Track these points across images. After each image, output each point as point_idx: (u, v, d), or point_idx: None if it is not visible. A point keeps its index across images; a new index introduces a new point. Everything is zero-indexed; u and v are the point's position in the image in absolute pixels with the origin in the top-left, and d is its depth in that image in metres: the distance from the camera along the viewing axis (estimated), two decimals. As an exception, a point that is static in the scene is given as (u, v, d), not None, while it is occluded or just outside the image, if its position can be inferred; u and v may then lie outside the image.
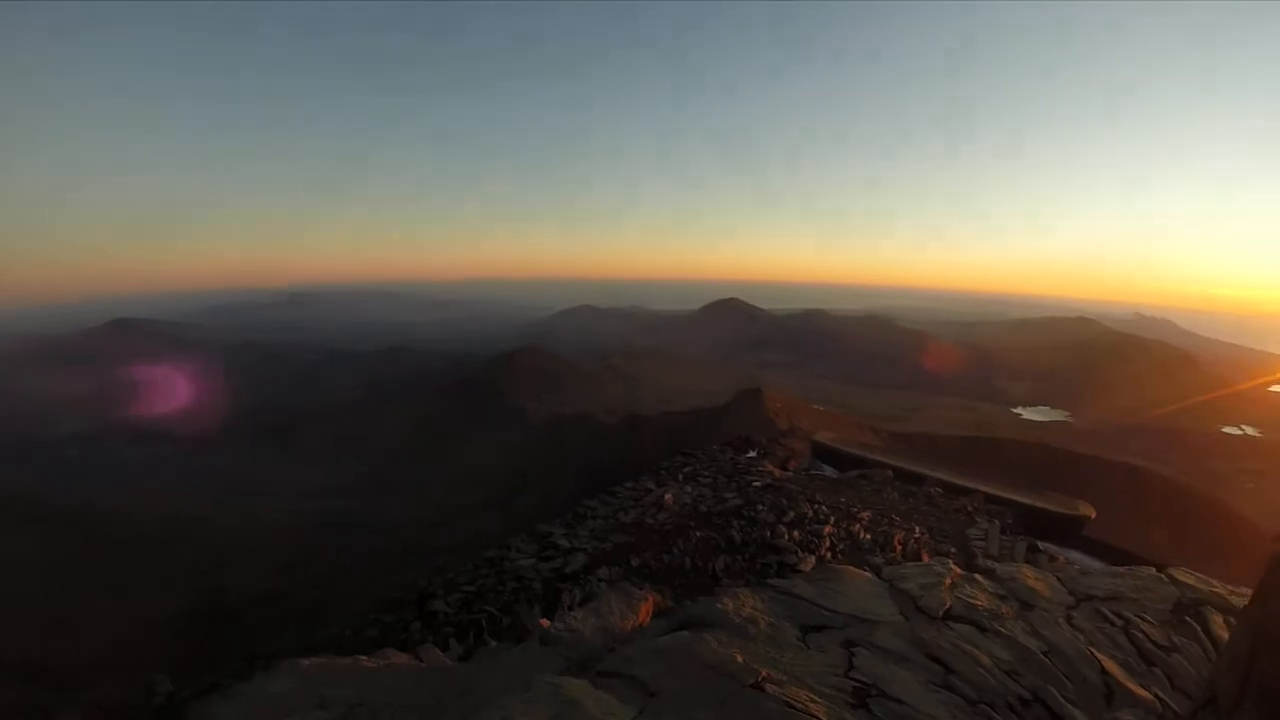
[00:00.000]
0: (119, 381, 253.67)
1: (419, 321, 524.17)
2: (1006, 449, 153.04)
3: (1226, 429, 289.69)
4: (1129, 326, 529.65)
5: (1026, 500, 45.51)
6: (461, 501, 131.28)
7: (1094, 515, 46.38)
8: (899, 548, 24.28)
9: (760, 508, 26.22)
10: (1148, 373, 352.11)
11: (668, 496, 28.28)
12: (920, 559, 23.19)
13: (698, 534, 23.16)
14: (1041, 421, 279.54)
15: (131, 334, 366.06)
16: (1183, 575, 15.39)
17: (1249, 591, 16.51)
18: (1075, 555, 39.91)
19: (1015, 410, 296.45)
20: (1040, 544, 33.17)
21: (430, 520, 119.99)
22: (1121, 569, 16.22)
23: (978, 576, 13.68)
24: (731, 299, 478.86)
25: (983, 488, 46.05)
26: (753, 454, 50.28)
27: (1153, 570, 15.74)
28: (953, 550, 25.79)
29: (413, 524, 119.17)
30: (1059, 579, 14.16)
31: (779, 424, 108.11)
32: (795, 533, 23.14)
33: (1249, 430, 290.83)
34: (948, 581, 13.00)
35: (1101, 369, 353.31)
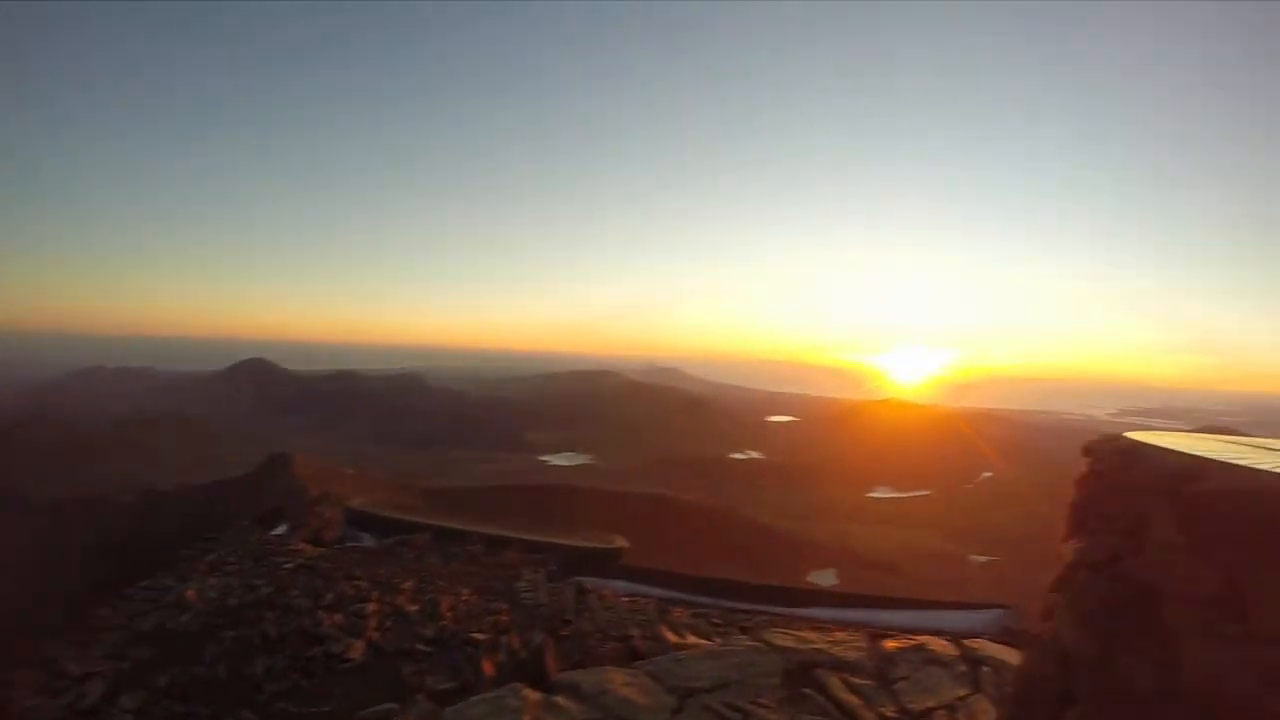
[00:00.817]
0: None
1: None
2: (540, 494, 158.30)
3: (735, 455, 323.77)
4: (644, 376, 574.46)
5: (566, 542, 46.71)
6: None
7: (628, 545, 48.50)
8: (448, 614, 23.16)
9: (294, 593, 23.83)
10: (662, 415, 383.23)
11: (190, 593, 24.99)
12: (473, 619, 22.49)
13: (230, 634, 20.39)
14: (570, 466, 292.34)
15: None
16: (780, 639, 15.18)
17: (842, 635, 16.92)
18: (619, 584, 41.34)
19: (543, 458, 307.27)
20: (586, 584, 33.65)
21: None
22: (720, 648, 15.91)
23: (559, 700, 11.62)
24: (257, 359, 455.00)
25: (524, 536, 46.51)
26: (283, 529, 47.25)
27: (745, 640, 15.71)
28: (504, 606, 25.20)
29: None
30: (652, 675, 12.96)
31: (311, 491, 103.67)
32: (337, 616, 21.20)
33: (754, 454, 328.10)
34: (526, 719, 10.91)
35: (622, 415, 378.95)
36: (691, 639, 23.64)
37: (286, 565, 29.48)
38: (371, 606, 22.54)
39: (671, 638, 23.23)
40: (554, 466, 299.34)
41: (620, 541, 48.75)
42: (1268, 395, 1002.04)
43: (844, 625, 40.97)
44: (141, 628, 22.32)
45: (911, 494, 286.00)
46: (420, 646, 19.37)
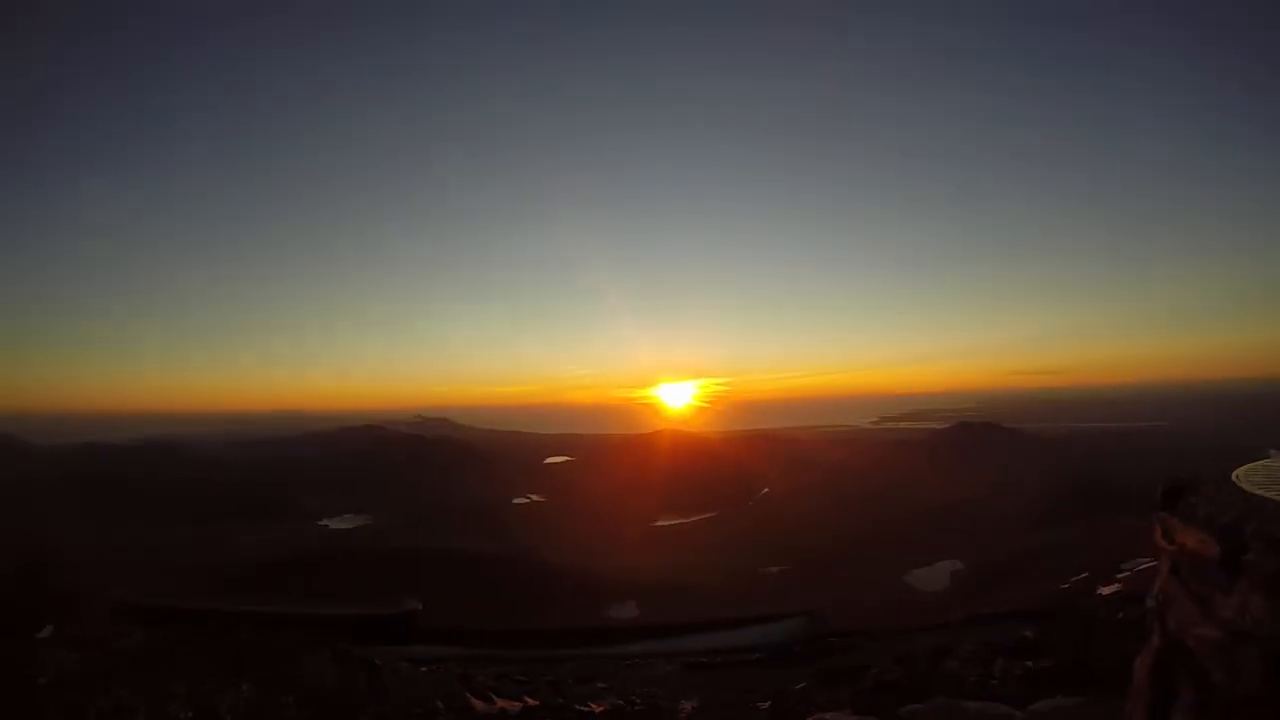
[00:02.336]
0: None
1: None
2: (321, 562, 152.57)
3: (517, 500, 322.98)
4: (413, 428, 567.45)
5: (350, 612, 44.86)
6: None
7: (420, 607, 47.01)
8: (228, 715, 21.44)
9: (52, 713, 21.62)
10: (438, 466, 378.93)
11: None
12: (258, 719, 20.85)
13: None
14: (350, 528, 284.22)
15: None
16: None
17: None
18: (417, 650, 39.85)
19: (322, 522, 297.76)
20: (378, 659, 32.00)
21: None
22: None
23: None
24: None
25: (305, 611, 44.35)
26: (46, 632, 43.36)
27: None
28: (290, 699, 23.55)
29: None
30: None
31: (72, 586, 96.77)
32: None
33: (535, 497, 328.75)
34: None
35: (396, 469, 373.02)
36: (500, 704, 22.79)
37: (41, 680, 26.69)
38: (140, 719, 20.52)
39: (478, 704, 22.30)
40: (333, 530, 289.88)
41: (410, 604, 47.05)
42: (1008, 389, 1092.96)
43: (654, 657, 40.93)
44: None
45: (697, 518, 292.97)
46: (199, 759, 17.67)
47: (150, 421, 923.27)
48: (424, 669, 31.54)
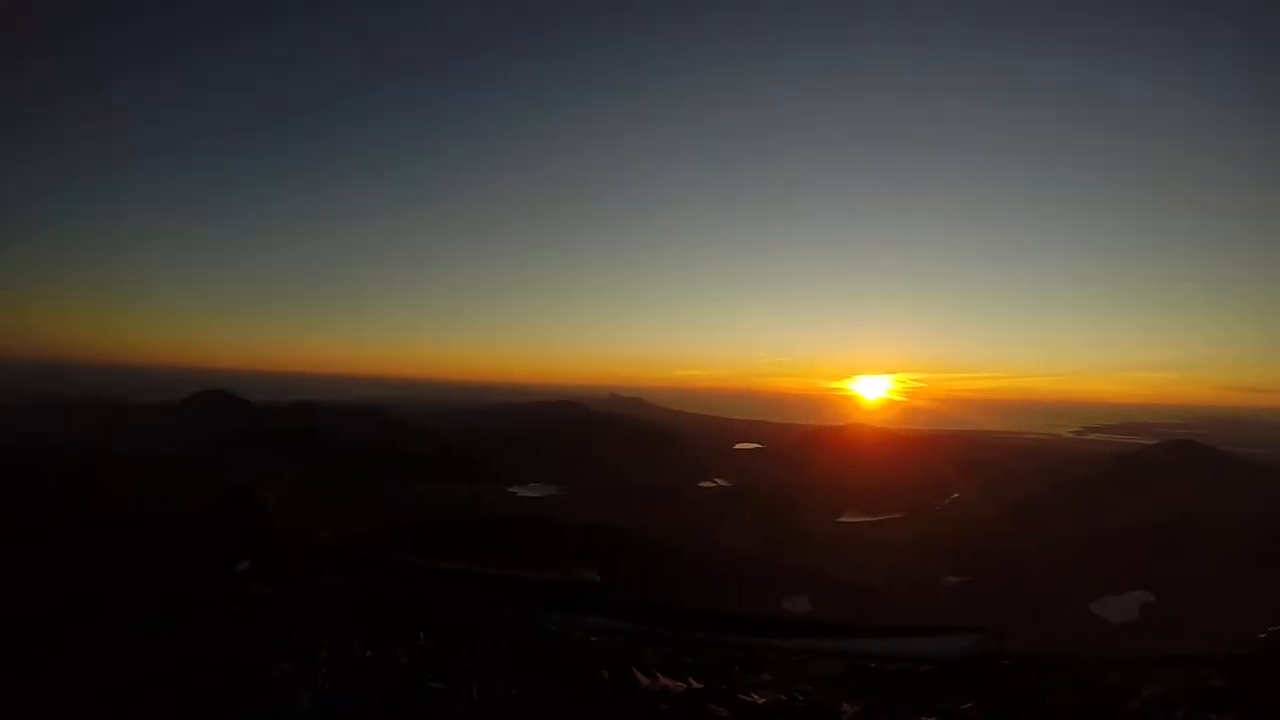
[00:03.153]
0: None
1: None
2: (507, 527, 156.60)
3: (703, 484, 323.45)
4: (606, 407, 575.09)
5: (530, 577, 45.54)
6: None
7: (598, 578, 47.16)
8: (404, 660, 21.91)
9: (244, 639, 22.58)
10: (627, 445, 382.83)
11: (134, 638, 23.67)
12: (432, 666, 21.33)
13: (173, 685, 19.00)
14: (538, 497, 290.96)
15: None
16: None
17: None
18: (590, 620, 40.09)
19: (512, 489, 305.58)
20: (553, 624, 32.37)
21: None
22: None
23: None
24: (217, 390, 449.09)
25: (488, 572, 45.29)
26: (244, 566, 45.72)
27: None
28: (466, 651, 24.02)
29: None
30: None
31: (274, 526, 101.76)
32: (286, 665, 19.89)
33: (721, 482, 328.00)
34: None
35: (588, 445, 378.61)
36: (664, 682, 22.59)
37: (237, 609, 28.13)
38: (323, 653, 21.23)
39: (643, 680, 22.16)
40: (521, 498, 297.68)
41: (589, 574, 47.52)
42: (1223, 407, 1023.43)
43: (822, 655, 40.07)
44: (80, 675, 20.85)
45: (882, 517, 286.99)
46: (373, 697, 18.13)
47: (363, 385, 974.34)
48: (594, 639, 31.67)
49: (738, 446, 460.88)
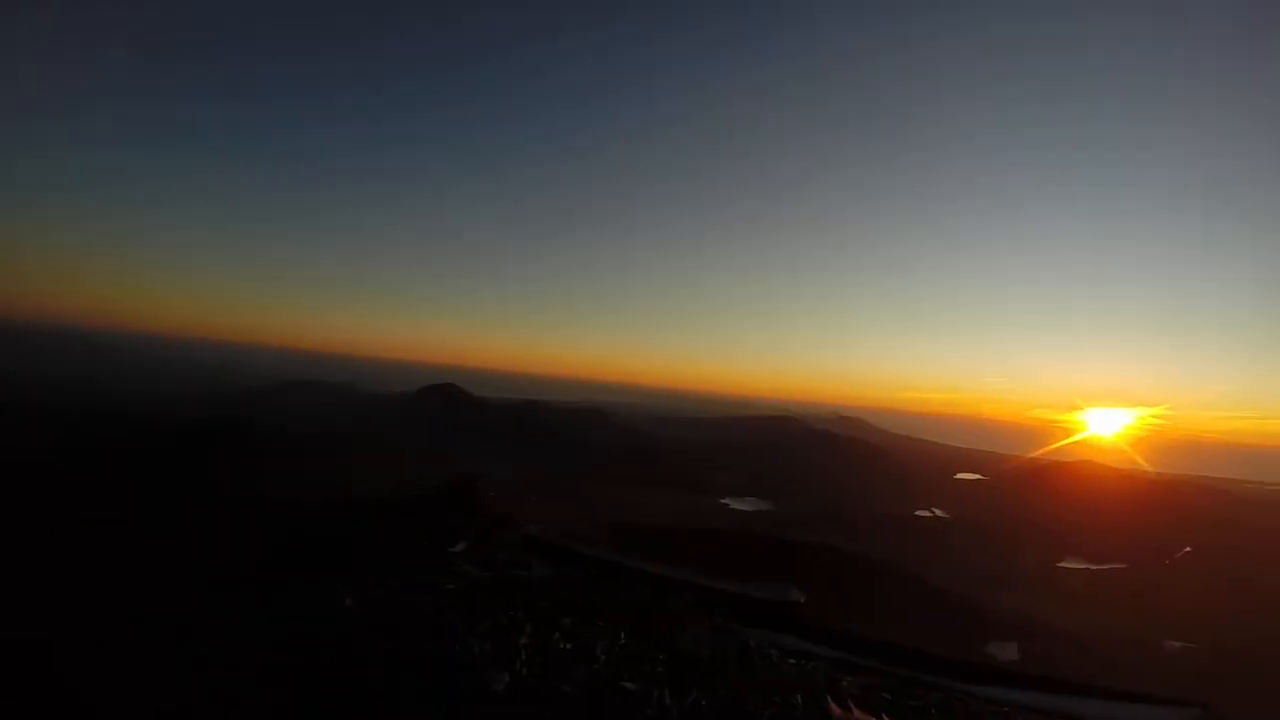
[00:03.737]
0: None
1: (113, 375, 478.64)
2: (716, 537, 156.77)
3: (919, 512, 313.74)
4: (828, 424, 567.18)
5: (734, 589, 45.21)
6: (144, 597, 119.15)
7: (802, 600, 46.38)
8: (601, 656, 22.12)
9: (451, 615, 23.33)
10: (845, 465, 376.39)
11: (349, 602, 24.89)
12: (627, 666, 21.45)
13: (380, 649, 19.94)
14: (749, 510, 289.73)
15: None
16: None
17: None
18: (789, 641, 39.45)
19: (725, 501, 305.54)
20: (752, 640, 31.99)
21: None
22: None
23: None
24: (448, 383, 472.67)
25: (694, 580, 45.25)
26: (460, 547, 47.55)
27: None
28: (662, 655, 24.03)
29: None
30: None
31: (492, 514, 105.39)
32: (489, 644, 20.46)
33: (938, 512, 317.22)
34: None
35: (804, 461, 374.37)
36: (857, 713, 21.97)
37: (449, 586, 29.16)
38: (524, 640, 21.71)
39: (836, 710, 21.63)
40: (734, 510, 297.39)
41: (793, 594, 46.80)
42: None
43: (1026, 711, 38.02)
44: (299, 631, 22.13)
45: (1105, 566, 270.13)
46: (567, 689, 18.38)
47: (586, 387, 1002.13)
48: (792, 661, 31.13)
49: (958, 476, 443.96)
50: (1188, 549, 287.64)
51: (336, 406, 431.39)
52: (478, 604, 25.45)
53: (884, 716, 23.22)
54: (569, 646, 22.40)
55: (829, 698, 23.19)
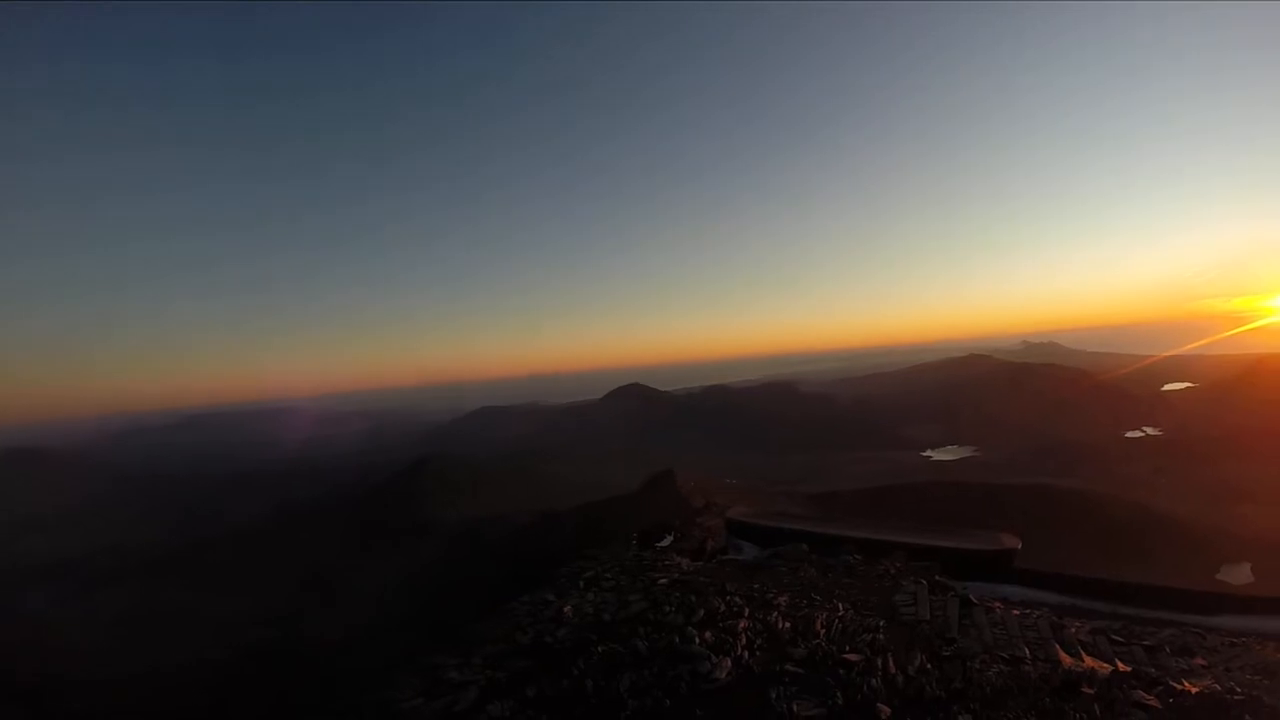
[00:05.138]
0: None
1: (319, 436, 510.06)
2: (922, 492, 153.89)
3: (1129, 434, 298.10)
4: (1019, 355, 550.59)
5: (948, 544, 44.28)
6: (377, 624, 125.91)
7: (1019, 546, 44.97)
8: (821, 631, 22.10)
9: (667, 609, 23.73)
10: (1044, 395, 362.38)
11: (566, 608, 25.62)
12: (848, 637, 21.37)
13: (600, 649, 20.52)
14: (951, 460, 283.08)
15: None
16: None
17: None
18: (1010, 590, 38.55)
19: (925, 453, 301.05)
20: (972, 594, 31.24)
21: (353, 645, 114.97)
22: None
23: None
24: (632, 384, 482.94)
25: (903, 539, 44.56)
26: (667, 541, 48.16)
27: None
28: (881, 623, 23.81)
29: (337, 650, 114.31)
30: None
31: (694, 503, 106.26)
32: (707, 633, 20.79)
33: (1150, 431, 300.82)
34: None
35: (1000, 399, 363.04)
36: (1089, 661, 21.34)
37: (661, 580, 29.61)
38: (743, 624, 22.00)
39: (1066, 659, 21.08)
40: (936, 461, 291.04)
41: (1010, 541, 45.27)
42: None
43: (1264, 639, 35.56)
44: (520, 640, 23.14)
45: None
46: (790, 668, 18.51)
47: (769, 362, 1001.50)
48: (1016, 612, 30.22)
49: (1166, 388, 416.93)
50: None
51: (526, 424, 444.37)
52: (691, 595, 25.80)
53: (1116, 660, 22.48)
54: (788, 625, 22.49)
55: (1057, 647, 22.60)
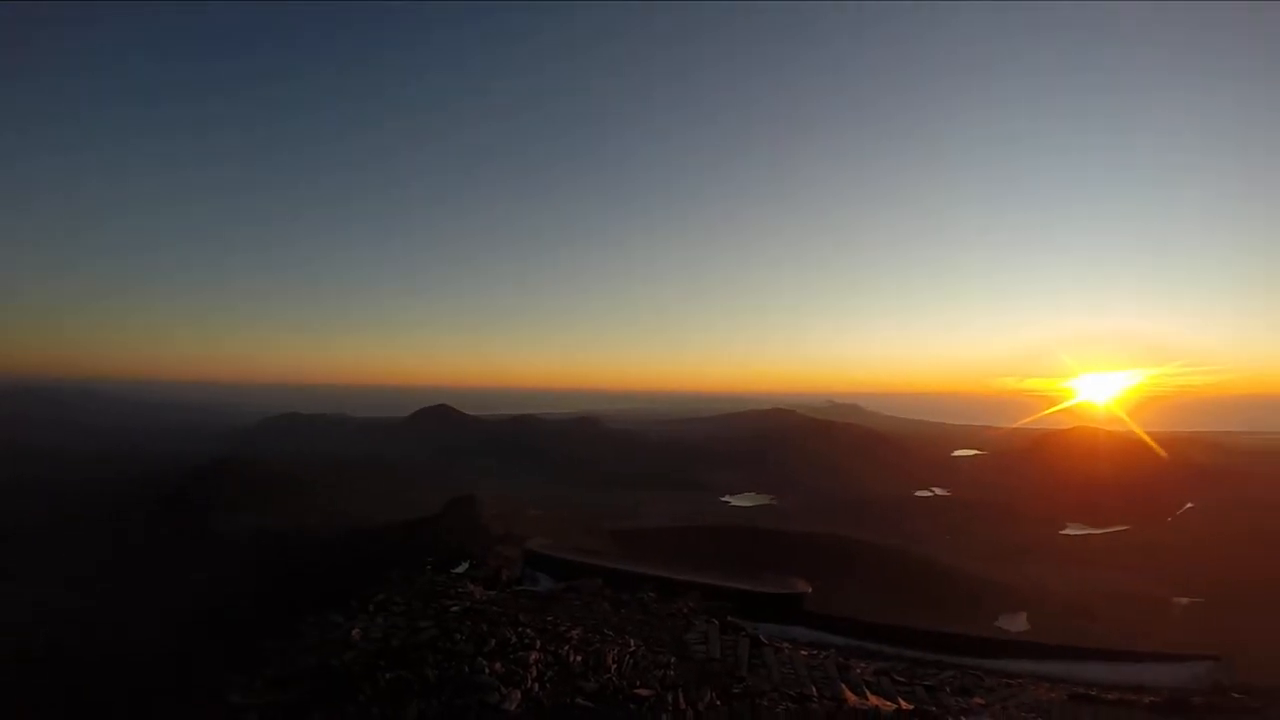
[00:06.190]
0: None
1: (119, 425, 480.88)
2: (719, 535, 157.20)
3: (919, 493, 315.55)
4: (822, 413, 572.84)
5: (741, 586, 45.17)
6: (155, 638, 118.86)
7: (810, 590, 46.36)
8: (613, 666, 21.97)
9: (458, 637, 23.05)
10: (843, 452, 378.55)
11: (355, 631, 24.65)
12: (640, 673, 21.34)
13: (388, 676, 19.76)
14: (750, 506, 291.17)
15: None
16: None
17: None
18: (799, 632, 39.50)
19: (725, 499, 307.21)
20: (762, 635, 31.86)
21: (129, 660, 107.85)
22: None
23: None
24: (440, 405, 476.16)
25: (698, 579, 45.15)
26: (463, 567, 47.30)
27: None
28: (672, 659, 23.91)
29: (108, 665, 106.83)
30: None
31: (493, 531, 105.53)
32: (497, 664, 20.28)
33: (939, 491, 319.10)
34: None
35: (801, 453, 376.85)
36: (873, 700, 21.97)
37: (454, 608, 28.91)
38: (534, 655, 21.59)
39: (851, 698, 21.63)
40: (734, 507, 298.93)
41: (801, 586, 46.69)
42: None
43: (1040, 679, 38.24)
44: (305, 663, 21.97)
45: (1108, 529, 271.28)
46: (581, 701, 18.29)
47: (580, 397, 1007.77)
48: (805, 652, 31.11)
49: (956, 453, 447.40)
50: (1189, 504, 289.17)
51: (331, 437, 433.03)
52: (483, 624, 25.26)
53: (900, 700, 23.21)
54: (579, 659, 22.26)
55: (843, 686, 23.17)
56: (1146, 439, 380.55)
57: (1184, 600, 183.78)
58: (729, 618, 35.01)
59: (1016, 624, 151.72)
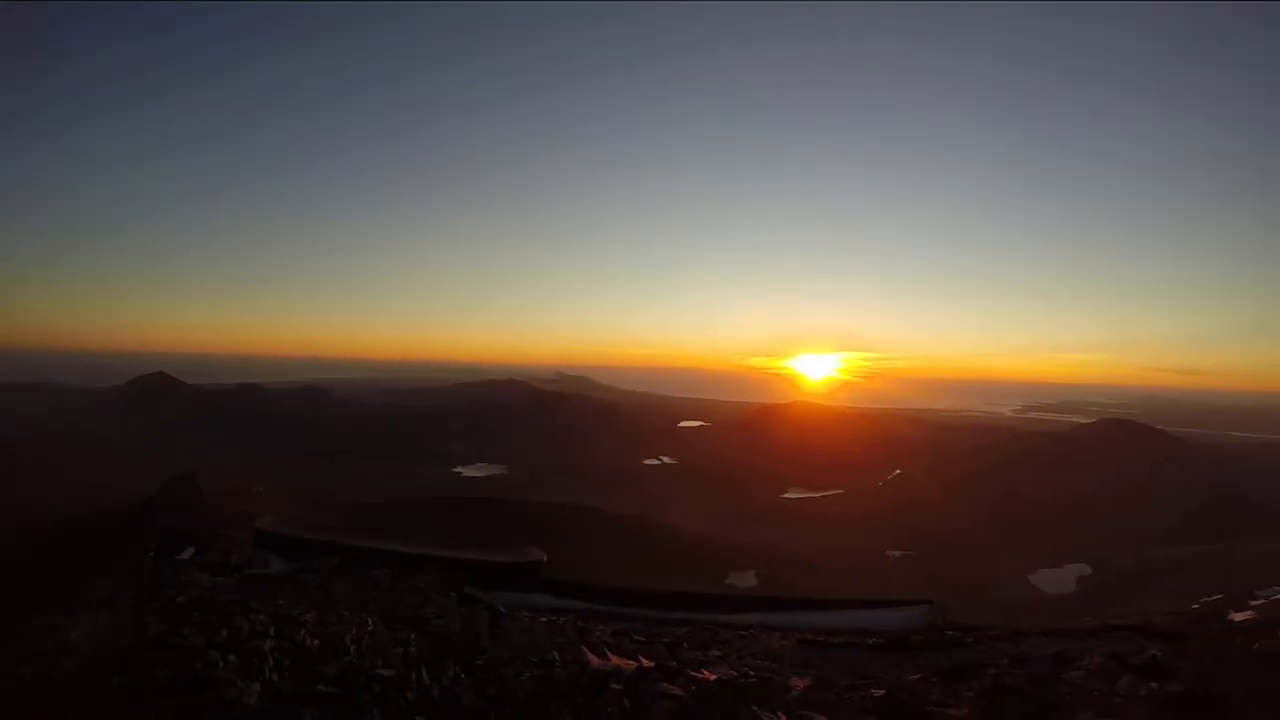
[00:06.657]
0: None
1: None
2: (453, 507, 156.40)
3: (649, 461, 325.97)
4: (552, 384, 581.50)
5: (477, 557, 45.61)
6: None
7: (545, 559, 47.33)
8: (352, 648, 21.70)
9: (187, 631, 21.90)
10: (573, 422, 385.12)
11: (75, 633, 23.16)
12: (380, 652, 21.19)
13: (116, 681, 18.48)
14: (482, 477, 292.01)
15: None
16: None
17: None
18: (538, 600, 40.29)
19: (457, 469, 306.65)
20: (502, 604, 32.31)
21: None
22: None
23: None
24: (158, 373, 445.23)
25: (434, 552, 45.02)
26: (189, 553, 45.16)
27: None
28: (413, 635, 23.86)
29: None
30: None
31: (220, 511, 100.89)
32: (231, 656, 19.44)
33: (667, 460, 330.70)
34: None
35: (532, 423, 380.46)
36: (615, 660, 22.73)
37: (180, 598, 27.64)
38: (269, 644, 20.90)
39: (594, 660, 22.29)
40: (466, 478, 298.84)
41: (536, 554, 47.49)
42: (1154, 388, 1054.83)
43: (770, 630, 40.69)
44: (21, 674, 20.28)
45: (825, 493, 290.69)
46: (322, 687, 17.92)
47: (309, 366, 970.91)
48: (544, 620, 31.82)
49: (682, 424, 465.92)
50: (897, 471, 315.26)
51: (31, 407, 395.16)
52: (213, 614, 24.27)
53: (640, 657, 24.10)
54: (317, 643, 21.77)
55: (584, 649, 23.86)
56: (858, 412, 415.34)
57: (896, 553, 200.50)
58: (467, 590, 35.19)
59: (746, 580, 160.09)
